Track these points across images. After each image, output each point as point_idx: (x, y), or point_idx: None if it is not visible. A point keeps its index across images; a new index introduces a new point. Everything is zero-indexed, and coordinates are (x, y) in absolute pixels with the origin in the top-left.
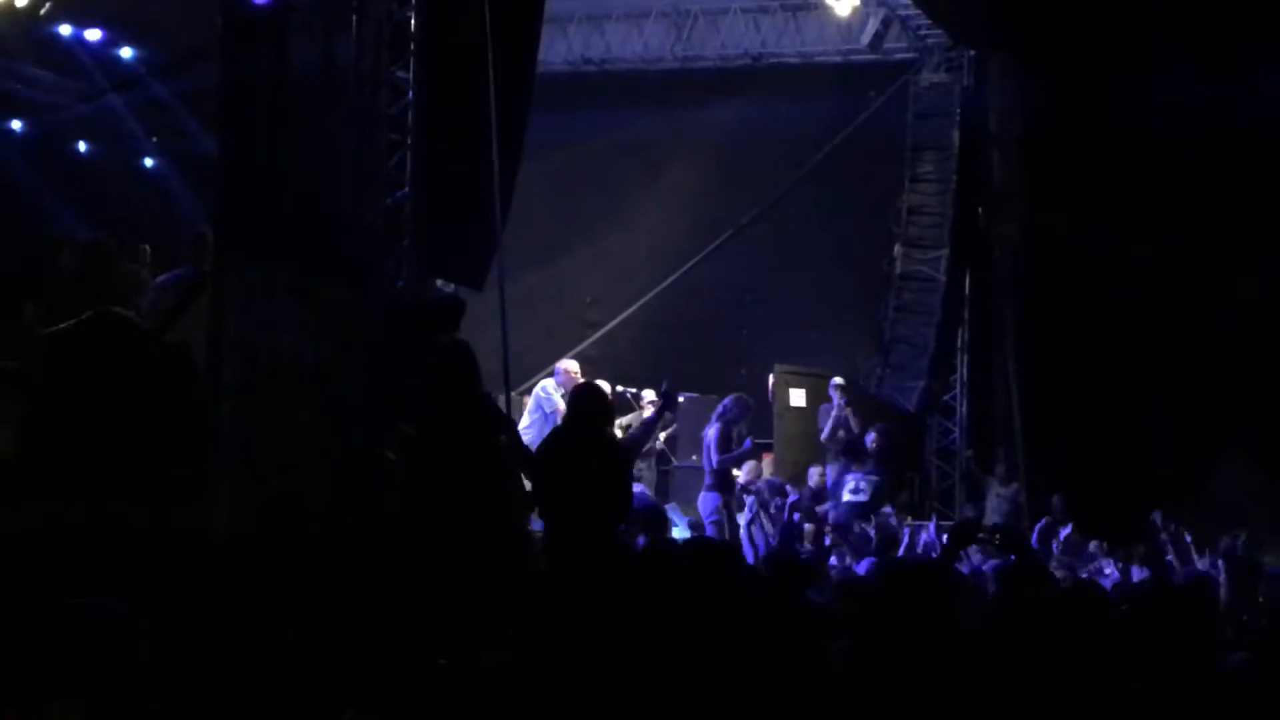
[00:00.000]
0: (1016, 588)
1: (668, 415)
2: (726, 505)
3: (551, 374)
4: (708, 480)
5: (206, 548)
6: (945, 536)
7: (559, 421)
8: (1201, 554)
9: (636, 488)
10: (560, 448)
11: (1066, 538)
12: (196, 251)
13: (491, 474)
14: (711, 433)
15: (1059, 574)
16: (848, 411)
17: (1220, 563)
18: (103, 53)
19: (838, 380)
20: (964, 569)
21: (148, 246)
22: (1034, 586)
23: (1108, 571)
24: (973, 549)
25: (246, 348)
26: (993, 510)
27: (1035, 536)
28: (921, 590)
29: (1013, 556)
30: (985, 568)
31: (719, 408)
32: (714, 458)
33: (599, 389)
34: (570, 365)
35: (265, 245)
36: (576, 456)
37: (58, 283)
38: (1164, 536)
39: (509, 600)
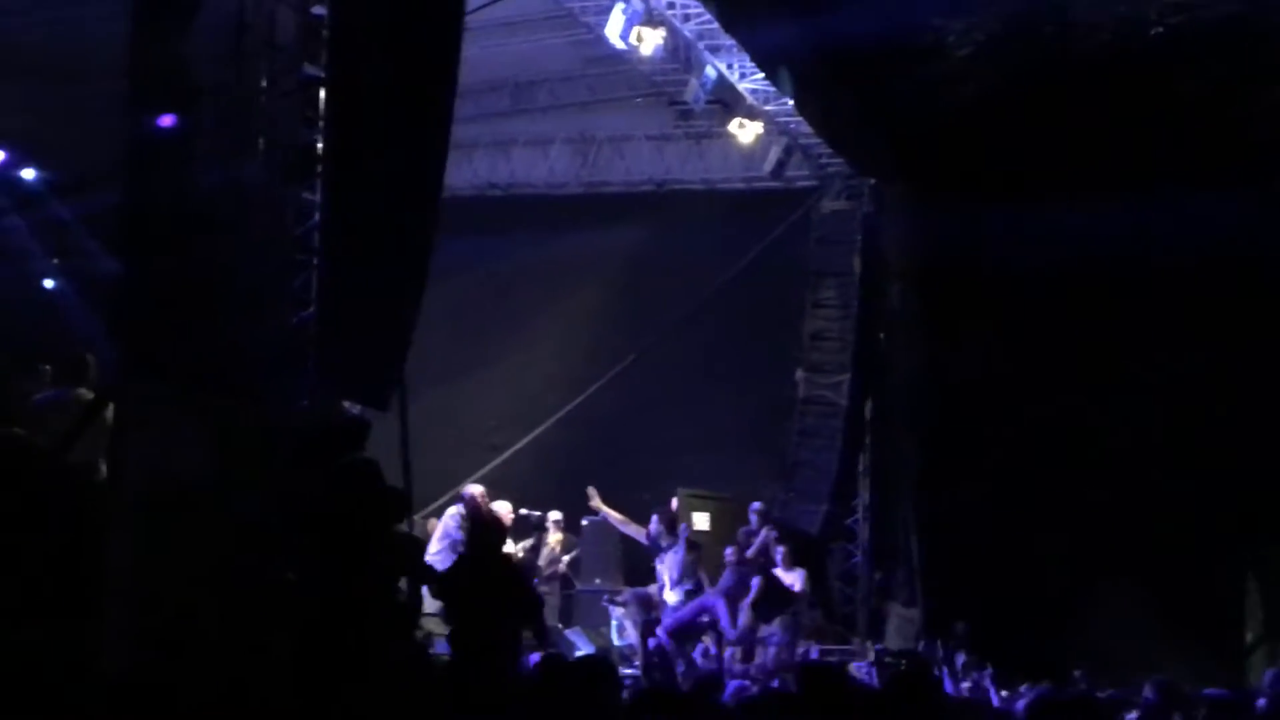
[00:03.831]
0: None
1: (571, 538)
2: None
3: (458, 499)
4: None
5: (99, 672)
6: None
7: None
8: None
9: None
10: (466, 577)
11: (965, 664)
12: (77, 374)
13: (390, 598)
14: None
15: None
16: (772, 537)
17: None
18: (4, 173)
19: (757, 505)
20: None
21: (48, 367)
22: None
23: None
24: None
25: (147, 468)
26: (893, 634)
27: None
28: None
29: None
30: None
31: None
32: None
33: (499, 521)
34: (475, 489)
35: (168, 364)
36: (482, 585)
37: None
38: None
39: None
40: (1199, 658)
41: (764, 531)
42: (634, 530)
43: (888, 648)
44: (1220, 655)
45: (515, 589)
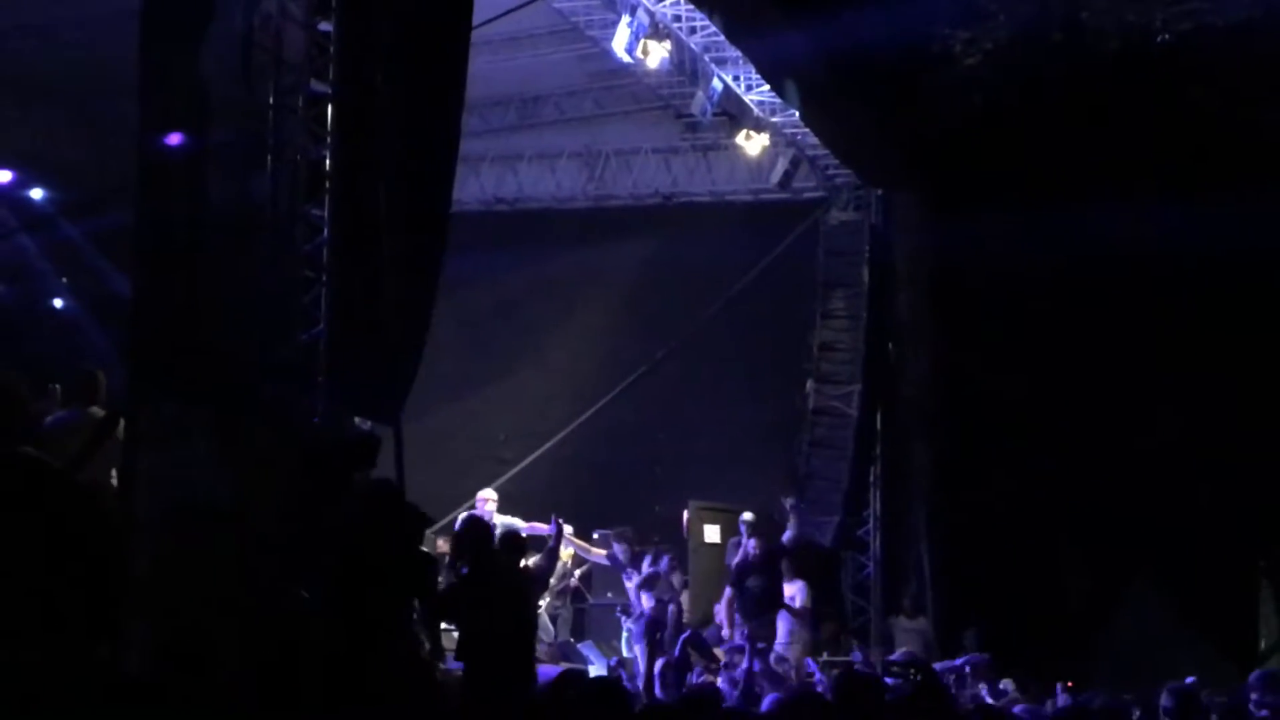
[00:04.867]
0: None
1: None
2: None
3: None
4: None
5: (116, 688)
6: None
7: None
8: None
9: None
10: (472, 588)
11: (975, 666)
12: (87, 392)
13: (405, 614)
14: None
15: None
16: (752, 544)
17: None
18: (13, 193)
19: (747, 515)
20: None
21: (58, 386)
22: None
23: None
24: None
25: (160, 485)
26: (901, 643)
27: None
28: None
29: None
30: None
31: None
32: None
33: (480, 521)
34: (487, 494)
35: (180, 382)
36: (488, 596)
37: None
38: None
39: None
40: (1213, 664)
41: (748, 542)
42: (596, 555)
43: (892, 658)
44: (1234, 662)
45: (524, 604)
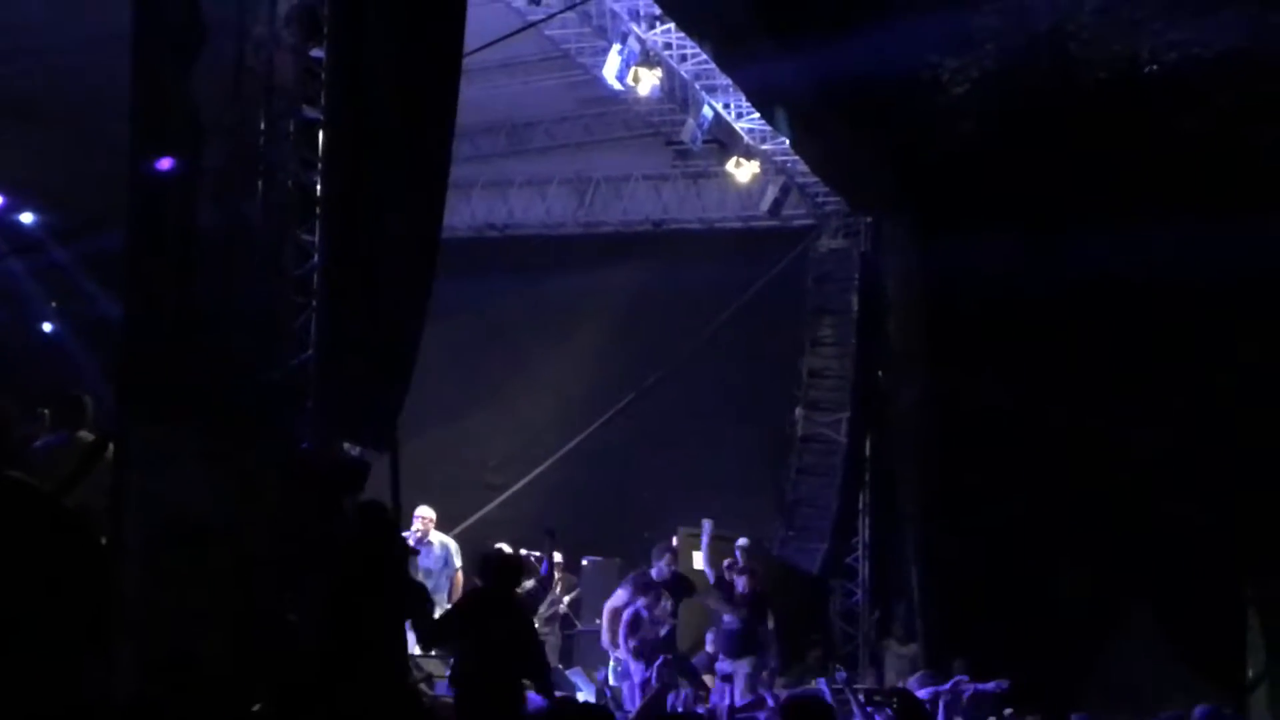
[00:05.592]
0: None
1: (571, 578)
2: None
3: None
4: None
5: (105, 709)
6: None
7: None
8: None
9: None
10: (473, 616)
11: (969, 698)
12: (74, 415)
13: (395, 643)
14: None
15: None
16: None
17: None
18: (3, 218)
19: (742, 541)
20: None
21: (47, 411)
22: None
23: None
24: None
25: (150, 506)
26: (892, 669)
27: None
28: None
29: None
30: None
31: None
32: None
33: (508, 558)
34: (424, 512)
35: (169, 404)
36: (488, 625)
37: None
38: None
39: None
40: (1200, 694)
41: (738, 579)
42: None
43: (874, 685)
44: (1222, 691)
45: (522, 631)
